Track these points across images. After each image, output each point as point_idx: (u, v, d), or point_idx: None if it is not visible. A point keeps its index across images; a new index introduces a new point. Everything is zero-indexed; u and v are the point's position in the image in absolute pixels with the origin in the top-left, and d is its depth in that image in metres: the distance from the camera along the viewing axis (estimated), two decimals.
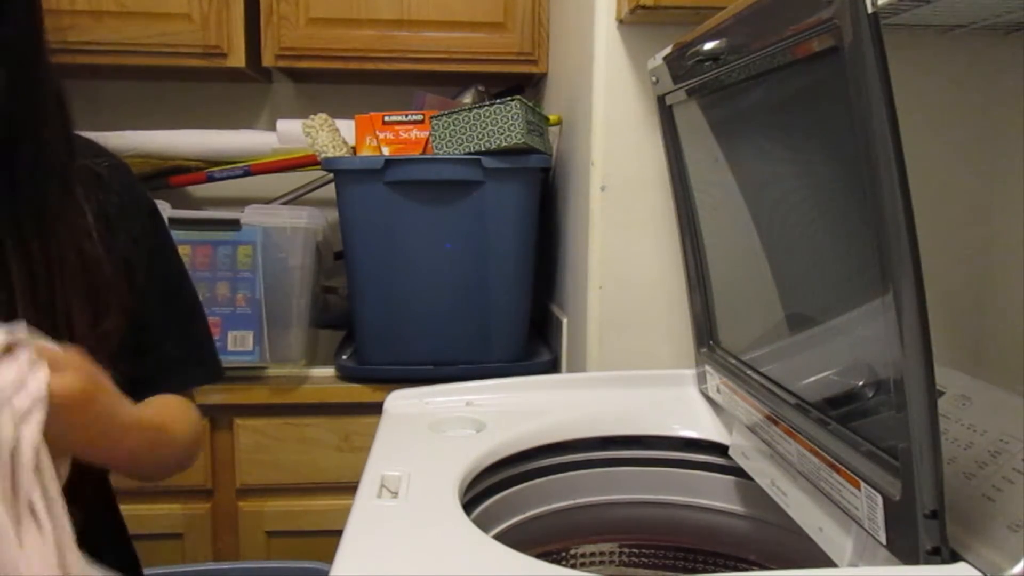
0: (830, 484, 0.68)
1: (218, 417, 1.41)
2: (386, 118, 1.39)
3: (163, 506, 1.40)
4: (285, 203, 1.66)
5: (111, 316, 0.71)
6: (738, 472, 0.94)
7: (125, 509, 0.87)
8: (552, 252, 1.50)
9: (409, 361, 1.40)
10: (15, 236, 0.66)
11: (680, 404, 1.03)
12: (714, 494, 0.98)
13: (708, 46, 0.76)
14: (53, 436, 0.56)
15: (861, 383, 0.66)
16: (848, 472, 0.65)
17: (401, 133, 1.39)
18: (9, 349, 0.54)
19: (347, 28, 1.61)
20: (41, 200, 0.68)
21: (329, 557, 0.64)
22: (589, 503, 0.98)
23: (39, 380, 0.55)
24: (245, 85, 1.84)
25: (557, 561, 0.99)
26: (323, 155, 1.39)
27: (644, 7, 1.03)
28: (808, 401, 0.75)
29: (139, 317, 0.76)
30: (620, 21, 1.12)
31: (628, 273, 1.17)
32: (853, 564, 0.67)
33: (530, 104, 1.34)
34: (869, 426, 0.64)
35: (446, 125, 1.32)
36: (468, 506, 0.79)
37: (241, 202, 1.46)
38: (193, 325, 0.88)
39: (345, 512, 0.71)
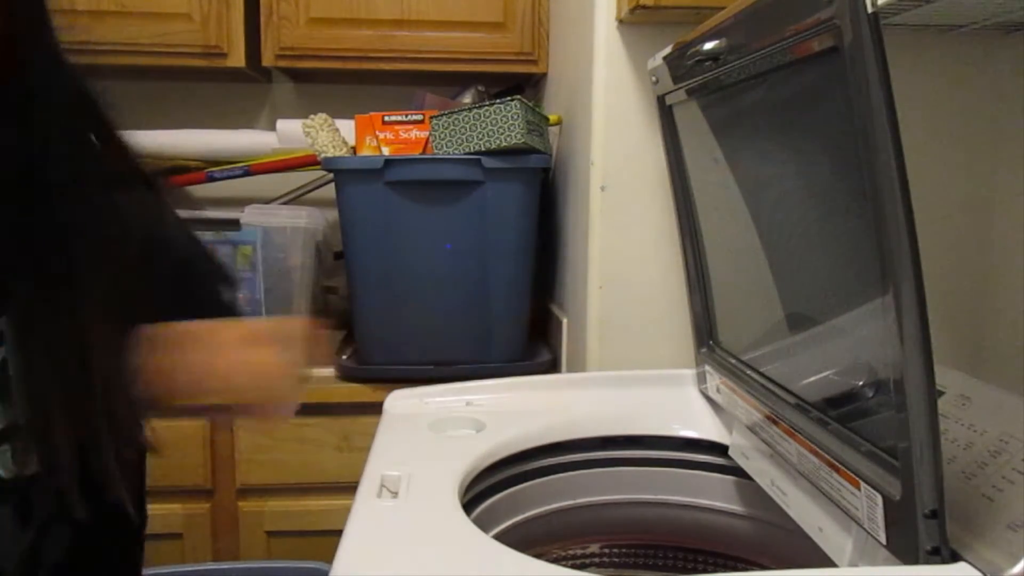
0: (830, 484, 0.68)
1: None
2: (386, 118, 1.39)
3: (163, 506, 1.40)
4: (285, 203, 1.66)
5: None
6: (738, 472, 0.94)
7: None
8: (552, 252, 1.50)
9: (409, 361, 1.40)
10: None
11: (680, 404, 1.03)
12: (714, 494, 0.98)
13: (708, 46, 0.76)
14: None
15: (861, 383, 0.66)
16: (848, 472, 0.65)
17: (401, 133, 1.39)
18: None
19: (347, 28, 1.61)
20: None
21: (329, 557, 0.64)
22: (589, 503, 0.98)
23: None
24: (245, 85, 1.84)
25: (557, 561, 0.99)
26: (323, 155, 1.39)
27: (644, 7, 1.03)
28: (808, 401, 0.75)
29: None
30: (620, 21, 1.12)
31: (628, 273, 1.17)
32: (853, 564, 0.67)
33: (530, 104, 1.34)
34: (869, 426, 0.64)
35: (446, 125, 1.32)
36: (468, 506, 0.79)
37: (241, 202, 1.46)
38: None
39: (345, 512, 0.71)
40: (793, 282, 0.81)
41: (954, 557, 0.56)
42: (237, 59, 1.58)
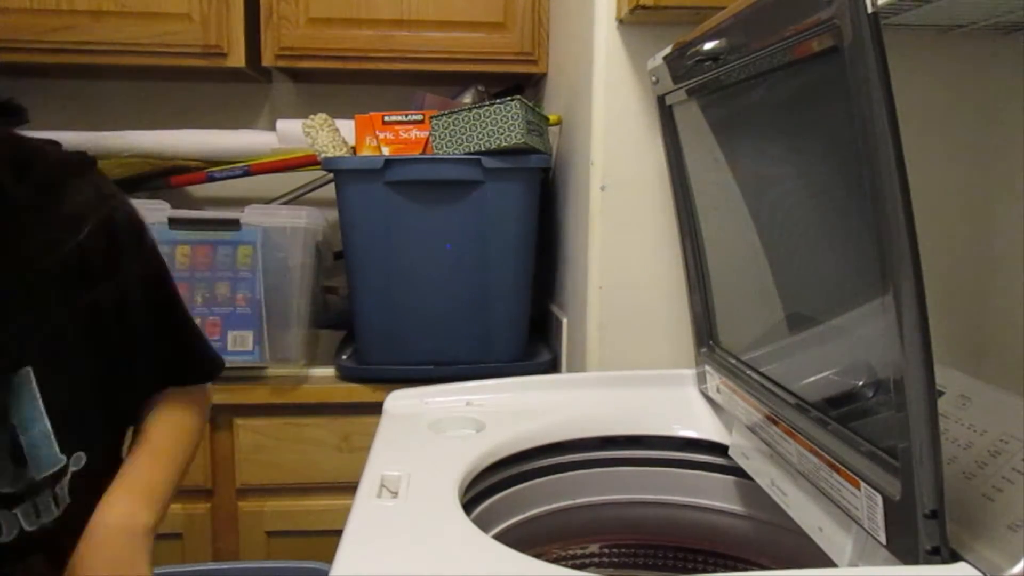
0: (830, 484, 0.68)
1: (218, 417, 1.41)
2: (386, 118, 1.39)
3: None
4: (285, 203, 1.66)
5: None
6: (738, 472, 0.94)
7: None
8: (552, 252, 1.50)
9: (409, 361, 1.40)
10: None
11: (680, 404, 1.03)
12: (714, 494, 0.98)
13: (708, 46, 0.76)
14: None
15: (861, 383, 0.66)
16: (848, 472, 0.65)
17: (401, 133, 1.39)
18: None
19: (347, 28, 1.61)
20: None
21: (329, 557, 0.64)
22: (589, 503, 0.98)
23: None
24: (245, 85, 1.84)
25: (557, 561, 0.99)
26: (323, 155, 1.39)
27: (644, 7, 1.03)
28: (808, 401, 0.75)
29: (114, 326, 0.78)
30: (620, 21, 1.12)
31: (628, 273, 1.17)
32: (853, 564, 0.67)
33: (530, 104, 1.34)
34: (869, 426, 0.64)
35: (446, 125, 1.32)
36: (468, 506, 0.79)
37: (241, 202, 1.46)
38: (178, 330, 0.90)
39: (345, 512, 0.71)
40: (793, 282, 0.81)
41: (954, 557, 0.56)
42: (237, 59, 1.58)
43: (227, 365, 1.39)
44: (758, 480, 0.87)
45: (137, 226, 0.81)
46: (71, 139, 1.54)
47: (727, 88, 0.80)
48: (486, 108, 1.29)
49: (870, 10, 0.52)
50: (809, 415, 0.74)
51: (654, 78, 0.98)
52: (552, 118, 1.46)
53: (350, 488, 0.77)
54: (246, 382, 1.40)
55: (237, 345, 1.39)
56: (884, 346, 0.57)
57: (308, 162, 1.58)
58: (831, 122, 0.63)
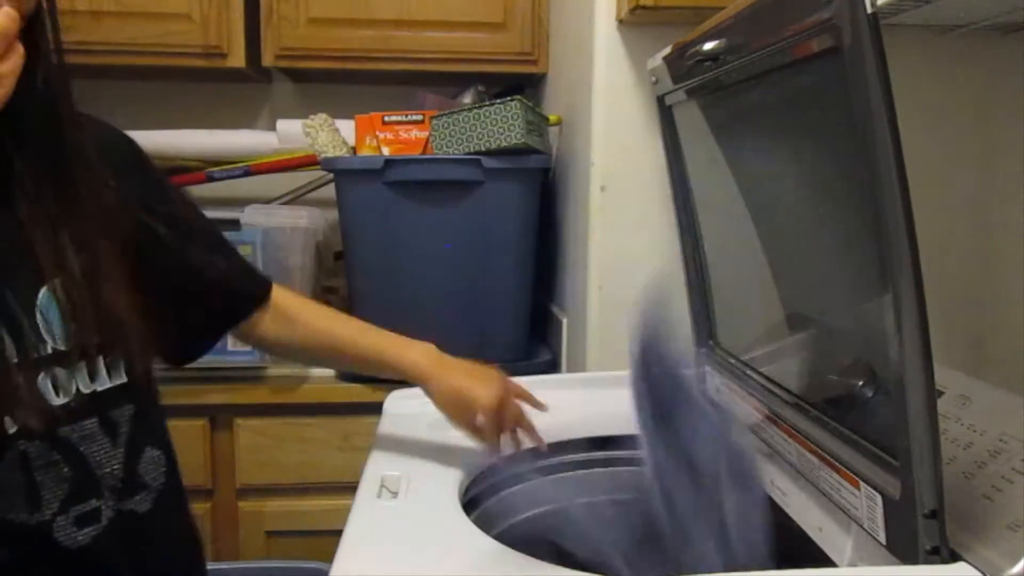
0: (830, 484, 0.68)
1: (218, 417, 1.41)
2: (386, 118, 1.39)
3: None
4: (285, 203, 1.66)
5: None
6: None
7: None
8: (552, 252, 1.50)
9: None
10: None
11: None
12: None
13: (708, 46, 0.76)
14: None
15: (861, 383, 0.66)
16: (848, 472, 0.65)
17: (401, 133, 1.39)
18: None
19: (347, 28, 1.61)
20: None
21: (329, 557, 0.64)
22: (589, 503, 0.98)
23: None
24: (245, 85, 1.84)
25: (557, 561, 0.99)
26: (323, 155, 1.39)
27: (644, 7, 1.03)
28: (808, 401, 0.75)
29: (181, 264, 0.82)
30: (620, 21, 1.12)
31: (628, 273, 1.17)
32: (853, 564, 0.67)
33: (530, 104, 1.34)
34: (869, 426, 0.64)
35: (446, 125, 1.32)
36: (468, 506, 0.79)
37: (241, 202, 1.46)
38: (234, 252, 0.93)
39: (345, 512, 0.71)
40: (793, 282, 0.81)
41: (954, 557, 0.56)
42: (237, 59, 1.58)
43: (228, 365, 1.40)
44: None
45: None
46: None
47: (727, 88, 0.80)
48: (486, 108, 1.29)
49: (869, 10, 0.52)
50: (809, 415, 0.74)
51: (654, 78, 0.98)
52: (552, 118, 1.46)
53: (350, 488, 0.77)
54: (246, 382, 1.40)
55: (237, 345, 1.38)
56: (884, 346, 0.57)
57: (308, 162, 1.58)
58: (831, 122, 0.63)
